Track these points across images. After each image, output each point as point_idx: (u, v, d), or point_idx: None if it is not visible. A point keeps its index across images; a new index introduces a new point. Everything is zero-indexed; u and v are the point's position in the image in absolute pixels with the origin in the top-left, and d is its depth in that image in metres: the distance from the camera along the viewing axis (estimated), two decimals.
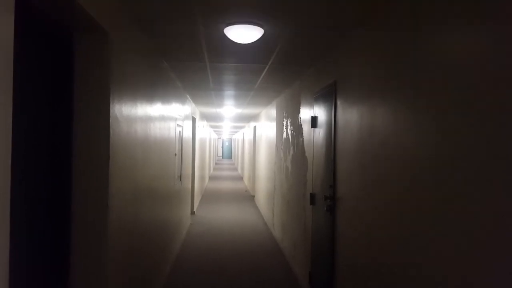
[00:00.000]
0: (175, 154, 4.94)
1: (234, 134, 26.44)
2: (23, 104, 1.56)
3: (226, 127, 16.73)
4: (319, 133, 3.64)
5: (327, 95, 3.36)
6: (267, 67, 4.04)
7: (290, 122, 5.24)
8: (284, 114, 5.76)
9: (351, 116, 2.76)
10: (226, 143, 40.22)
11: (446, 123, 1.56)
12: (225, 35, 2.83)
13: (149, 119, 3.12)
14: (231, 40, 2.95)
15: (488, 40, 1.33)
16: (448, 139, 1.54)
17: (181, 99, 5.40)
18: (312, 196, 3.82)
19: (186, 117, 6.08)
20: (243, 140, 17.61)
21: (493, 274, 1.28)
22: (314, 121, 3.82)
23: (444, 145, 1.57)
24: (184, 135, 5.86)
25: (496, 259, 1.26)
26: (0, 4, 1.05)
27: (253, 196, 11.25)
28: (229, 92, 6.09)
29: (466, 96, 1.44)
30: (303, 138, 4.40)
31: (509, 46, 1.23)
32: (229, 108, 8.32)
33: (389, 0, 2.08)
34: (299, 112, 4.67)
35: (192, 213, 8.27)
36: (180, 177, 5.62)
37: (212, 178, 17.52)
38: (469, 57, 1.44)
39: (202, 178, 11.28)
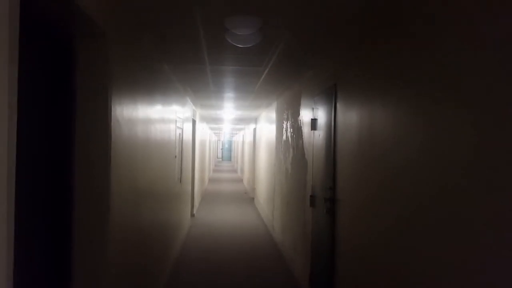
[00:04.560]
0: (175, 157, 4.95)
1: (233, 136, 26.45)
2: (23, 108, 1.57)
3: (226, 129, 16.75)
4: (319, 136, 3.64)
5: (327, 97, 3.37)
6: (267, 69, 4.05)
7: (290, 124, 5.25)
8: (284, 116, 5.77)
9: (350, 118, 2.77)
10: (226, 145, 40.19)
11: (445, 126, 1.57)
12: (225, 38, 2.84)
13: (149, 121, 3.13)
14: (231, 43, 2.96)
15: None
16: (447, 141, 1.55)
17: (181, 101, 5.41)
18: (312, 198, 3.82)
19: (186, 119, 6.08)
20: (243, 142, 17.61)
21: (493, 271, 1.29)
22: (314, 123, 3.83)
23: (442, 146, 1.58)
24: (184, 138, 5.87)
25: (495, 259, 1.27)
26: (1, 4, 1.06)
27: (253, 199, 11.25)
28: (229, 95, 6.11)
29: (465, 99, 1.45)
30: (303, 140, 4.41)
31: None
32: (229, 110, 8.33)
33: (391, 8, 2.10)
34: (299, 114, 4.67)
35: (192, 215, 8.27)
36: (180, 179, 5.63)
37: (211, 180, 17.51)
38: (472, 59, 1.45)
39: (201, 180, 11.28)
